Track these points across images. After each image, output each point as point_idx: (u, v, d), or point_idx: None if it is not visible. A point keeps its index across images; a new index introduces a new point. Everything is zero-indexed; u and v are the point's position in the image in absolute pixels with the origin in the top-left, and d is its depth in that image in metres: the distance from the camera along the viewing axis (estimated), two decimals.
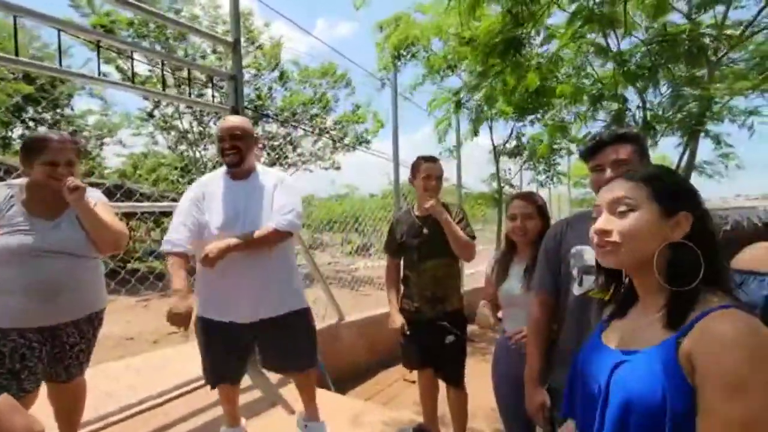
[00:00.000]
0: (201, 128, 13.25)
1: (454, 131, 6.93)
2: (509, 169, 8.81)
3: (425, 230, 2.32)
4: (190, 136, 13.28)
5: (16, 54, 2.11)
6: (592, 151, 1.34)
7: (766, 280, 1.04)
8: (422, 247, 2.33)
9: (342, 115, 14.23)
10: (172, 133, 13.44)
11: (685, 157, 4.73)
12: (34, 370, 1.65)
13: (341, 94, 14.08)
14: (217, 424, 2.25)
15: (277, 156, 13.21)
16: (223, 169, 2.05)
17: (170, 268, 1.84)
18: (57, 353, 1.75)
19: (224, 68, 7.11)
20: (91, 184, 2.00)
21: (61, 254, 1.71)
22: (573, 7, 3.55)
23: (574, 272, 1.39)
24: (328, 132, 14.17)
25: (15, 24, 2.14)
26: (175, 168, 12.12)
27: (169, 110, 12.89)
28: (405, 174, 2.56)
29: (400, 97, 5.68)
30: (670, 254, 0.80)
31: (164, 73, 5.15)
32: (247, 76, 11.90)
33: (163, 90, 4.02)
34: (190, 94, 3.61)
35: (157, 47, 10.80)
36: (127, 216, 10.15)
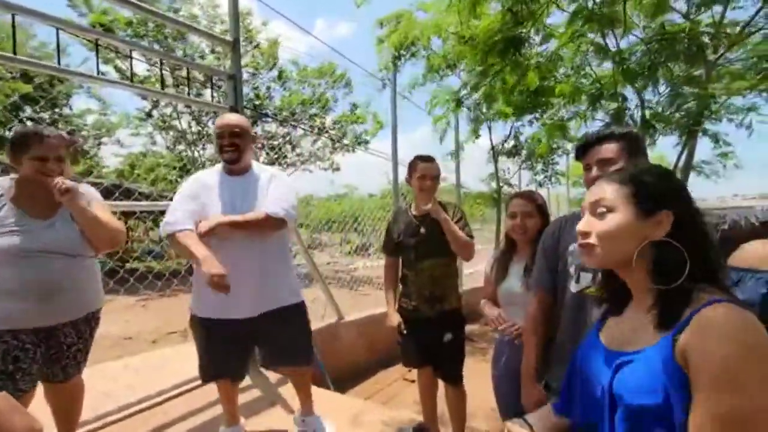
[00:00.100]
0: (199, 128, 13.24)
1: (454, 131, 6.94)
2: (508, 169, 8.82)
3: (422, 230, 2.33)
4: (188, 136, 13.26)
5: (14, 53, 2.10)
6: (581, 150, 1.37)
7: (763, 277, 1.04)
8: (419, 246, 2.34)
9: (341, 115, 14.24)
10: (171, 133, 13.42)
11: (683, 157, 4.75)
12: (28, 371, 1.63)
13: (339, 94, 14.11)
14: (216, 424, 2.25)
15: (276, 156, 13.20)
16: (219, 165, 2.06)
17: (184, 242, 1.75)
18: (54, 354, 1.74)
19: (223, 68, 7.10)
20: (90, 184, 2.00)
21: (57, 254, 1.68)
22: (572, 6, 3.55)
23: (572, 270, 1.39)
24: (327, 131, 14.17)
25: (13, 23, 2.14)
26: (174, 168, 12.11)
27: (168, 110, 12.88)
28: (404, 173, 2.57)
29: (399, 97, 5.68)
30: (654, 253, 0.80)
31: (163, 72, 5.15)
32: (245, 76, 11.88)
33: (162, 90, 4.02)
34: (189, 93, 3.60)
35: (156, 47, 10.79)
36: (126, 215, 10.14)
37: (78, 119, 13.31)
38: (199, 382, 2.59)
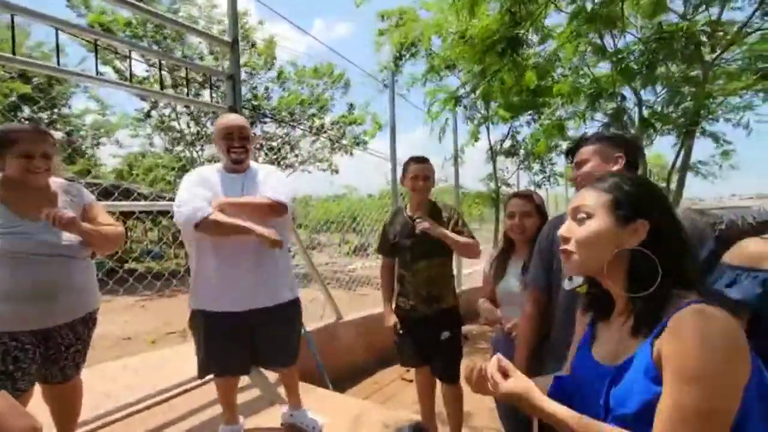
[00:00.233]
0: (198, 129, 13.22)
1: (453, 133, 6.95)
2: (506, 168, 8.84)
3: (418, 231, 2.34)
4: (187, 136, 13.25)
5: (14, 53, 2.10)
6: (570, 153, 1.46)
7: (759, 276, 1.04)
8: (415, 247, 2.35)
9: (340, 116, 14.25)
10: (170, 133, 13.41)
11: (680, 157, 4.77)
12: (27, 370, 1.63)
13: (337, 94, 14.11)
14: (215, 423, 2.26)
15: (275, 156, 13.20)
16: (219, 164, 2.10)
17: (222, 220, 1.78)
18: (52, 354, 1.73)
19: (221, 69, 7.10)
20: (89, 184, 2.00)
21: (53, 256, 1.66)
22: (570, 7, 3.57)
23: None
24: (325, 132, 14.17)
25: (12, 23, 2.14)
26: (172, 168, 12.10)
27: (167, 111, 12.86)
28: None
29: (398, 97, 5.69)
30: (629, 261, 0.82)
31: (162, 73, 5.15)
32: (243, 76, 11.88)
33: (161, 90, 4.02)
34: (188, 94, 3.60)
35: (155, 48, 10.79)
36: (125, 215, 10.12)
37: (77, 119, 13.29)
38: (199, 381, 2.61)
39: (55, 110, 12.47)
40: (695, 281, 0.81)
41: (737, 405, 0.68)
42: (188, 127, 13.22)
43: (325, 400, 2.76)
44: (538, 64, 4.59)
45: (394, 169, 5.11)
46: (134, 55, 2.88)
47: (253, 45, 12.49)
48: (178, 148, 13.74)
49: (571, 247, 0.87)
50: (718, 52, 4.14)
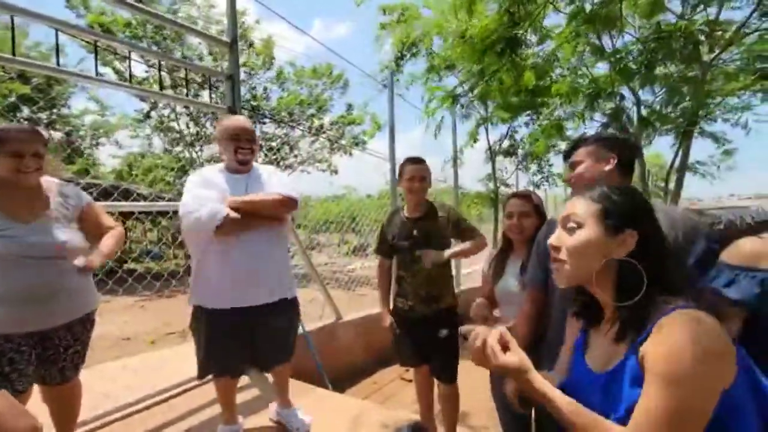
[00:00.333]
0: (197, 129, 13.22)
1: (452, 132, 6.96)
2: (505, 168, 8.86)
3: (415, 232, 2.34)
4: (186, 137, 13.25)
5: (13, 53, 2.11)
6: (567, 155, 1.47)
7: (757, 276, 1.05)
8: (414, 248, 2.35)
9: (338, 116, 14.25)
10: (169, 134, 13.40)
11: (678, 157, 4.78)
12: (24, 372, 1.62)
13: (336, 94, 14.11)
14: (214, 423, 2.26)
15: (274, 157, 13.19)
16: (221, 165, 2.12)
17: (238, 219, 1.84)
18: (50, 356, 1.71)
19: (220, 69, 7.11)
20: (88, 184, 2.00)
21: (47, 259, 1.63)
22: (568, 8, 3.58)
23: None
24: (324, 132, 14.17)
25: (12, 24, 2.14)
26: (171, 169, 12.10)
27: (166, 112, 12.86)
28: None
29: (397, 97, 5.70)
30: (616, 271, 0.84)
31: (161, 73, 5.15)
32: (242, 76, 11.88)
33: (160, 91, 4.02)
34: (187, 94, 3.61)
35: (154, 49, 10.79)
36: (124, 216, 10.12)
37: (76, 120, 13.28)
38: (198, 381, 2.61)
39: (55, 110, 12.45)
40: (681, 287, 0.83)
41: (712, 406, 0.70)
42: (188, 127, 13.21)
43: (324, 400, 2.76)
44: (536, 64, 4.60)
45: (393, 170, 5.12)
46: (134, 55, 2.88)
47: (251, 45, 12.48)
48: (178, 149, 13.73)
49: (562, 256, 0.88)
50: (717, 52, 4.15)
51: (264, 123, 13.61)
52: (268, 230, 1.99)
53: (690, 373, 0.69)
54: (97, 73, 2.69)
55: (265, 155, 11.45)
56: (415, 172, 2.35)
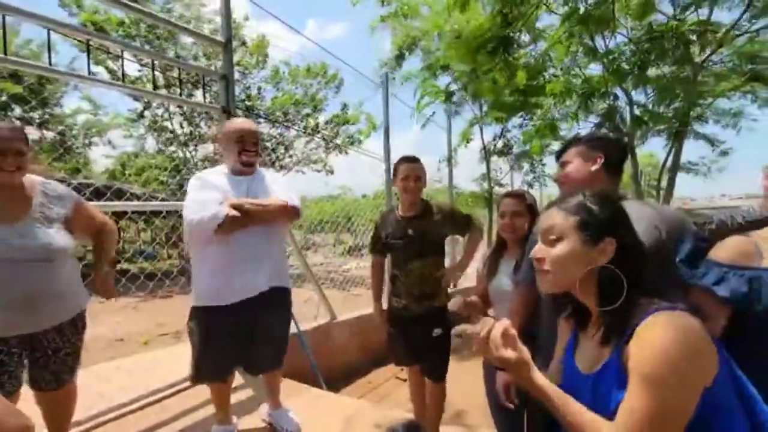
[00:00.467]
0: (191, 129, 13.15)
1: (446, 132, 6.99)
2: (499, 169, 8.90)
3: (410, 231, 2.34)
4: (180, 137, 13.17)
5: (5, 53, 2.09)
6: (559, 155, 1.49)
7: (745, 274, 1.06)
8: (408, 247, 2.35)
9: (333, 116, 14.24)
10: (163, 134, 13.32)
11: (671, 158, 4.83)
12: (14, 374, 1.59)
13: (330, 94, 14.09)
14: (208, 423, 2.25)
15: (269, 157, 13.15)
16: (222, 167, 2.15)
17: (237, 218, 1.86)
18: (40, 358, 1.68)
19: (214, 68, 7.08)
20: (81, 184, 1.98)
21: (32, 262, 1.57)
22: (561, 9, 3.60)
23: None
24: (319, 132, 14.15)
25: (3, 23, 2.12)
26: (165, 169, 12.03)
27: (160, 111, 12.78)
28: None
29: (392, 97, 5.70)
30: (598, 277, 0.87)
31: (155, 73, 5.13)
32: (236, 75, 11.83)
33: (154, 90, 4.00)
34: (180, 93, 3.60)
35: (148, 48, 10.72)
36: (118, 216, 10.04)
37: (69, 119, 13.18)
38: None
39: (47, 110, 12.33)
40: (664, 288, 0.86)
41: (693, 404, 0.72)
42: (181, 127, 13.14)
43: (319, 399, 2.77)
44: (528, 64, 4.63)
45: (388, 170, 5.13)
46: (127, 54, 2.87)
47: (243, 43, 12.42)
48: (171, 148, 13.66)
49: (546, 267, 0.91)
50: (708, 53, 4.19)
51: (258, 123, 13.57)
52: (266, 225, 2.02)
53: (671, 372, 0.71)
54: (89, 72, 2.67)
55: (260, 155, 11.42)
56: (410, 171, 2.34)
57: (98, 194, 3.19)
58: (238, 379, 2.37)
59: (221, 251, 1.93)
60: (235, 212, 1.87)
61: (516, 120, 7.09)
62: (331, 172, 14.91)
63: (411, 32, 5.36)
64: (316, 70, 13.38)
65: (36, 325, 1.62)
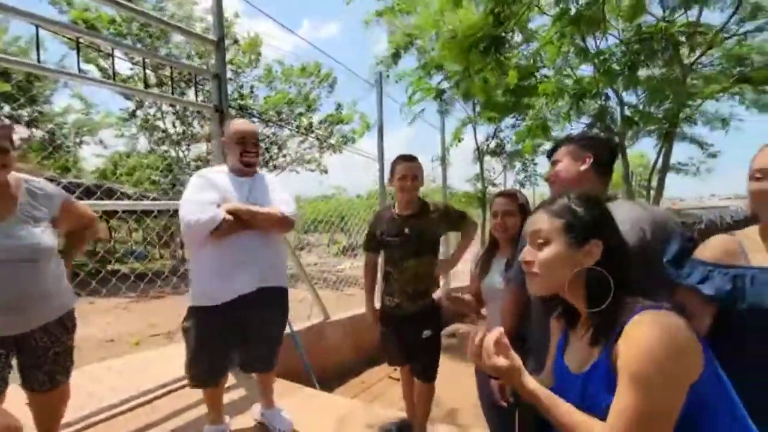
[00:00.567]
0: (184, 128, 13.06)
1: (440, 132, 7.00)
2: (493, 169, 8.95)
3: (406, 229, 2.34)
4: (173, 136, 13.08)
5: None
6: (550, 154, 1.51)
7: (729, 273, 1.08)
8: (404, 245, 2.35)
9: (327, 115, 14.21)
10: (155, 133, 13.21)
11: (661, 158, 4.88)
12: (1, 375, 1.56)
13: (324, 93, 14.06)
14: (200, 424, 2.24)
15: (262, 157, 13.10)
16: (223, 167, 2.16)
17: (239, 214, 1.90)
18: (29, 358, 1.65)
19: (206, 67, 7.03)
20: (71, 184, 1.96)
21: (17, 262, 1.53)
22: (552, 10, 3.63)
23: None
24: (313, 131, 14.11)
25: None
26: (156, 168, 11.93)
27: (152, 110, 12.68)
28: None
29: (386, 96, 5.72)
30: (585, 279, 0.88)
31: (146, 71, 5.08)
32: (228, 74, 11.78)
33: (145, 89, 3.97)
34: (173, 92, 3.57)
35: (139, 46, 10.63)
36: (108, 215, 9.94)
37: (59, 117, 13.02)
38: (184, 382, 2.59)
39: (36, 107, 12.18)
40: (649, 287, 0.87)
41: (681, 402, 0.73)
42: (174, 126, 13.04)
43: (312, 399, 2.76)
44: (520, 64, 4.65)
45: (381, 170, 5.13)
46: (118, 53, 2.84)
47: (236, 41, 12.36)
48: (163, 148, 13.55)
49: (534, 269, 0.92)
50: (697, 54, 4.25)
51: (253, 122, 13.47)
52: None
53: (656, 371, 0.72)
54: (79, 70, 2.64)
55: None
56: (407, 170, 2.33)
57: (89, 193, 3.16)
58: (230, 378, 2.36)
59: (217, 252, 1.94)
60: (231, 217, 1.89)
61: (509, 120, 7.14)
62: (325, 172, 14.92)
63: (407, 30, 5.37)
64: (310, 69, 13.35)
65: (23, 325, 1.59)
